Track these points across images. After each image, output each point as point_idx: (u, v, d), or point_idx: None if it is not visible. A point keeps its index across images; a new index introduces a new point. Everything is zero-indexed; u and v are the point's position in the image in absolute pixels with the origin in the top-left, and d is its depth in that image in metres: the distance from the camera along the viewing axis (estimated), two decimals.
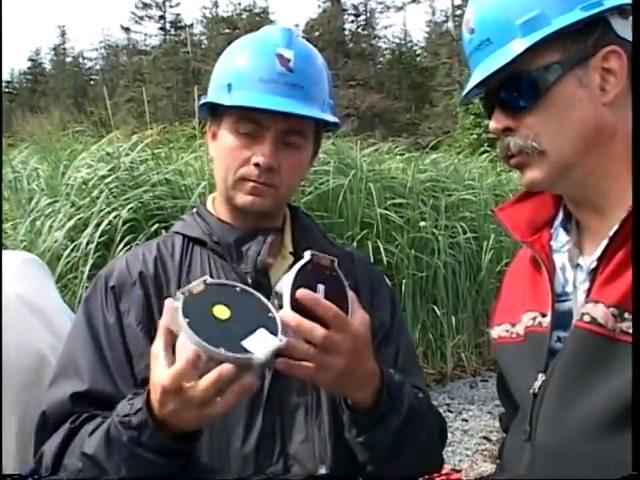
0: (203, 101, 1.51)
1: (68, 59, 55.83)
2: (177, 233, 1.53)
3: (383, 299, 1.57)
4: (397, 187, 7.00)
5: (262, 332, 1.08)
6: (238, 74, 1.44)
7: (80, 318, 1.44)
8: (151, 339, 1.35)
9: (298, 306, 1.13)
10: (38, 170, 6.33)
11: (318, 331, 1.13)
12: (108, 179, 5.46)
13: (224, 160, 1.46)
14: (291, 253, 1.51)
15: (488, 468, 4.50)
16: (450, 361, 6.63)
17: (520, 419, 1.21)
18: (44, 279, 1.76)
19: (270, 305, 1.14)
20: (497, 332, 1.31)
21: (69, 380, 1.38)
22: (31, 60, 54.76)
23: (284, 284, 1.16)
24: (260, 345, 1.06)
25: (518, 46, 1.14)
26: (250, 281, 1.41)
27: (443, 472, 3.39)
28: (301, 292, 1.13)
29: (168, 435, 1.15)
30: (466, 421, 5.66)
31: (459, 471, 4.21)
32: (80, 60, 56.19)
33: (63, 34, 56.18)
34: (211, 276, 1.43)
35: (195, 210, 1.57)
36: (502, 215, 1.32)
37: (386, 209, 6.52)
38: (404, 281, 6.24)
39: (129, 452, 1.18)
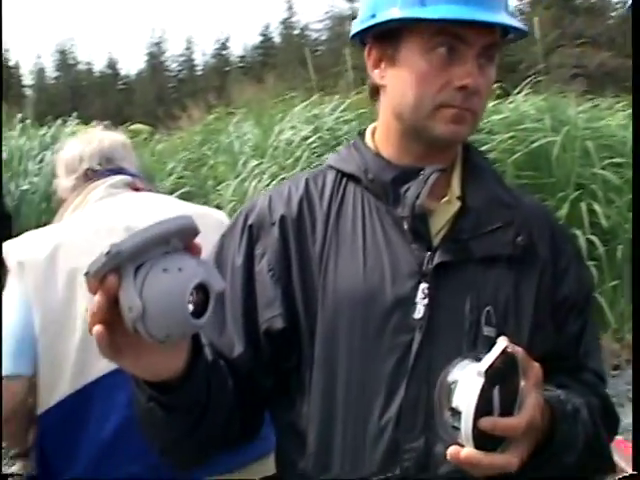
0: (387, 18, 1.24)
1: (295, 32, 57.52)
2: (330, 167, 1.35)
3: (568, 262, 1.30)
4: (616, 145, 6.41)
5: None
6: None
7: (212, 252, 1.32)
8: (282, 288, 1.23)
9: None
10: (248, 134, 6.51)
11: (513, 463, 1.02)
12: (310, 139, 5.48)
13: (416, 87, 1.23)
14: (458, 198, 1.28)
15: None
16: None
17: None
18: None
19: None
20: None
21: None
22: (262, 35, 57.06)
23: (464, 413, 1.00)
24: None
25: None
26: (406, 227, 1.22)
27: None
28: (483, 424, 0.99)
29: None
30: None
31: None
32: (306, 32, 57.73)
33: (290, 8, 58.02)
34: (363, 219, 1.26)
35: (352, 142, 1.37)
36: None
37: (603, 169, 6.00)
38: (621, 247, 5.72)
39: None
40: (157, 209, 1.96)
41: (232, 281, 1.27)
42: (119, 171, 2.03)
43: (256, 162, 5.71)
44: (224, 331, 1.25)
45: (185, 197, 6.56)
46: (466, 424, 0.98)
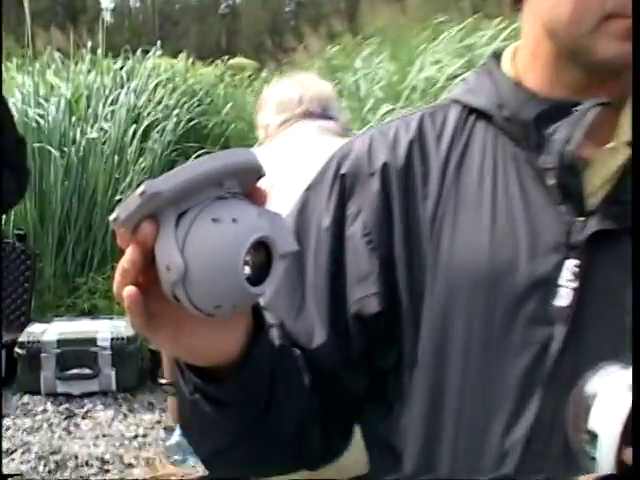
0: None
1: None
2: (455, 101, 1.31)
3: None
4: None
5: None
6: None
7: (293, 209, 1.32)
8: (381, 259, 1.22)
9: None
10: (380, 71, 6.51)
11: None
12: (460, 78, 5.41)
13: None
14: (628, 144, 1.20)
15: None
16: None
17: None
18: None
19: None
20: None
21: None
22: None
23: (602, 438, 0.94)
24: None
25: None
26: (552, 182, 1.17)
27: None
28: (628, 457, 0.92)
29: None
30: None
31: None
32: None
33: None
34: (494, 169, 1.22)
35: (485, 67, 1.32)
36: None
37: None
38: None
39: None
40: None
41: (316, 247, 1.27)
42: (331, 118, 2.83)
43: (388, 107, 5.69)
44: (302, 312, 1.25)
45: None
46: (605, 454, 0.93)
